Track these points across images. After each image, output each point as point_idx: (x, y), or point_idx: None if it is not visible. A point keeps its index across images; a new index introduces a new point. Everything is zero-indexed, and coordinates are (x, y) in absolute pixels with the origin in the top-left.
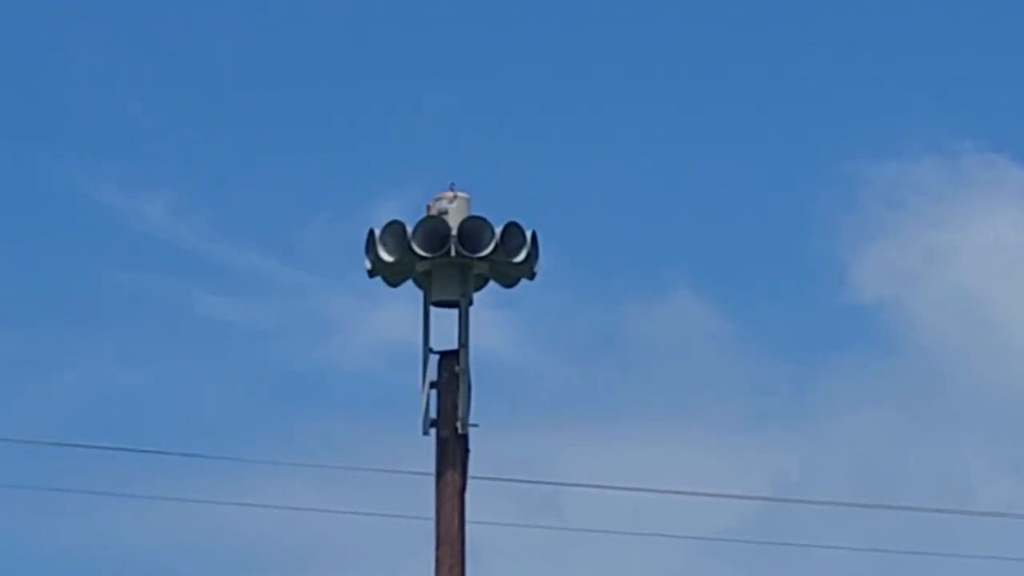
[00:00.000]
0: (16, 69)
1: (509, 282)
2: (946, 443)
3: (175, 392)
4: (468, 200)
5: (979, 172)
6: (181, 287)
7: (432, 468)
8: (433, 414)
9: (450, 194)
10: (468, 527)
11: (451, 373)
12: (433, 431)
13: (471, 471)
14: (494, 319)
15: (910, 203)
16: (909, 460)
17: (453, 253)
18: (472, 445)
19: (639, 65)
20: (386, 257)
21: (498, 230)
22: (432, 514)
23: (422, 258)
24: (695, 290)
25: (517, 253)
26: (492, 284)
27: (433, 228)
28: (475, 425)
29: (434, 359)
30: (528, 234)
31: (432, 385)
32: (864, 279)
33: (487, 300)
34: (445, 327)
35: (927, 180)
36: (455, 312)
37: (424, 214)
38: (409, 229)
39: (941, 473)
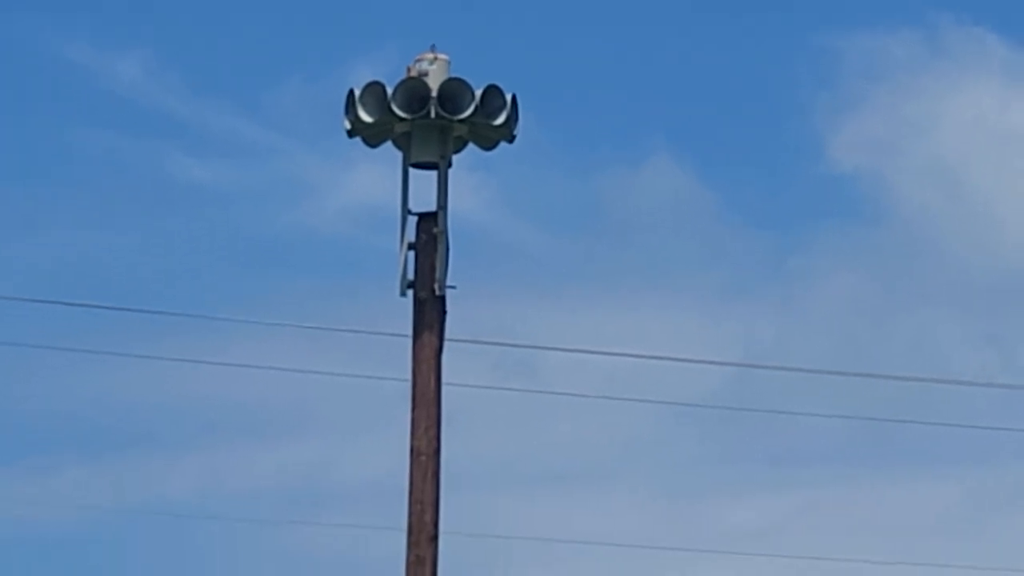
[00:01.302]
0: None
1: (488, 145)
2: (922, 313)
3: (150, 253)
4: (448, 62)
5: (958, 44)
6: (155, 148)
7: (409, 329)
8: (411, 276)
9: (431, 56)
10: (444, 388)
11: (429, 235)
12: (410, 292)
13: (448, 333)
14: (473, 182)
15: (888, 75)
16: (885, 329)
17: (433, 115)
18: (449, 307)
19: None
20: (366, 118)
21: (478, 93)
22: (408, 375)
23: (401, 119)
24: (673, 159)
25: (497, 116)
26: (471, 147)
27: (413, 89)
28: (452, 287)
29: (412, 221)
30: (508, 97)
31: (410, 247)
32: (842, 150)
33: (466, 163)
34: (423, 189)
35: (905, 52)
36: (434, 174)
37: (404, 75)
38: (389, 90)
39: (917, 342)
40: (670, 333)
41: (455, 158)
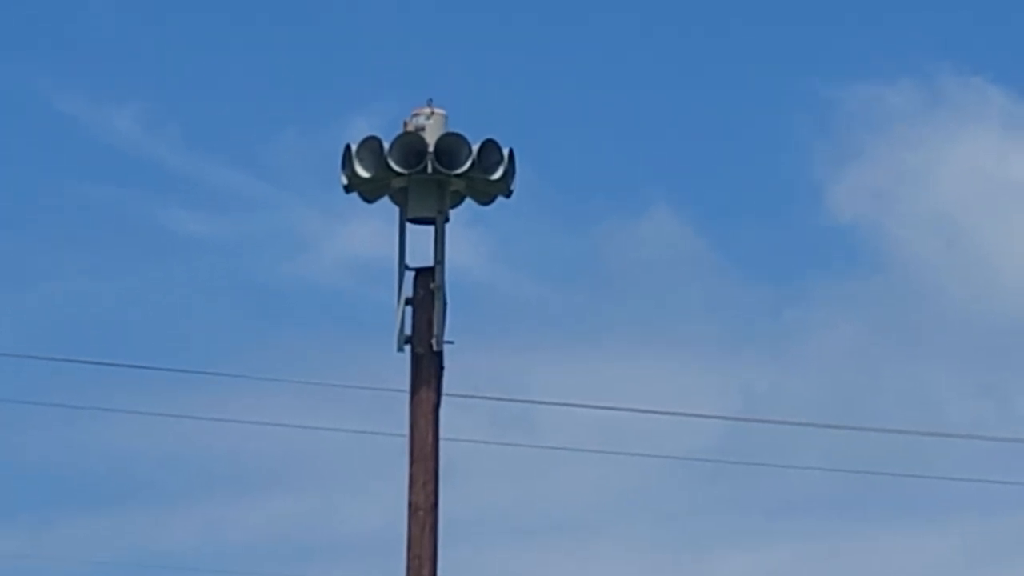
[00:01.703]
0: None
1: (486, 199)
2: (920, 364)
3: (147, 306)
4: (445, 117)
5: (957, 94)
6: (151, 201)
7: (407, 384)
8: (408, 331)
9: (427, 110)
10: (442, 443)
11: (427, 290)
12: (408, 348)
13: (445, 388)
14: (470, 237)
15: (887, 125)
16: (883, 380)
17: (430, 170)
18: (447, 362)
19: None
20: (362, 173)
21: (475, 147)
22: (406, 430)
23: (398, 174)
24: (671, 211)
25: (494, 170)
26: (468, 201)
27: (410, 144)
28: (450, 342)
29: (410, 276)
30: (505, 152)
31: (407, 302)
32: (841, 200)
33: (463, 217)
34: (421, 244)
35: (904, 102)
36: (431, 229)
37: (401, 130)
38: (386, 145)
39: (914, 393)
40: (668, 385)
41: (452, 213)
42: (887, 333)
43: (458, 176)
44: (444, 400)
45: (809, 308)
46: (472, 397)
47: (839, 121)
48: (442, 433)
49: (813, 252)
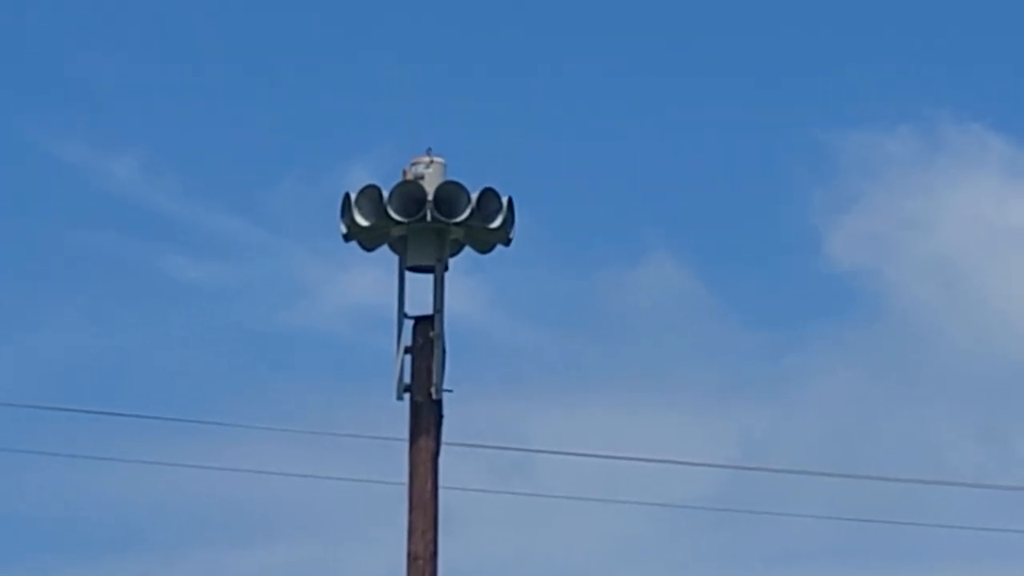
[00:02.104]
0: None
1: (485, 248)
2: (919, 411)
3: (144, 354)
4: (444, 165)
5: (957, 141)
6: (151, 248)
7: (406, 433)
8: (407, 379)
9: (426, 159)
10: (441, 492)
11: (426, 338)
12: (407, 396)
13: (445, 436)
14: (469, 285)
15: (886, 172)
16: (883, 427)
17: (429, 218)
18: (446, 410)
19: (614, 33)
20: (361, 221)
21: (474, 196)
22: (405, 479)
23: (398, 223)
24: (670, 259)
25: (493, 219)
26: (468, 250)
27: (409, 193)
28: (449, 390)
29: (409, 324)
30: (504, 200)
31: (406, 350)
32: (840, 247)
33: (462, 266)
34: (420, 292)
35: (903, 148)
36: (430, 277)
37: (400, 179)
38: (385, 193)
39: (915, 440)
40: (667, 433)
41: (452, 261)
42: (887, 379)
43: (457, 224)
44: (443, 448)
45: (808, 354)
46: (471, 446)
47: (838, 167)
48: (441, 482)
49: (812, 298)
